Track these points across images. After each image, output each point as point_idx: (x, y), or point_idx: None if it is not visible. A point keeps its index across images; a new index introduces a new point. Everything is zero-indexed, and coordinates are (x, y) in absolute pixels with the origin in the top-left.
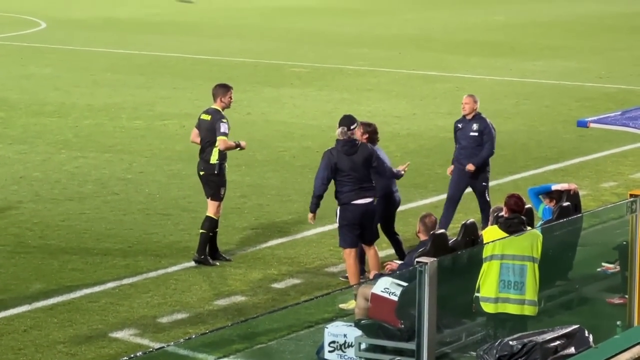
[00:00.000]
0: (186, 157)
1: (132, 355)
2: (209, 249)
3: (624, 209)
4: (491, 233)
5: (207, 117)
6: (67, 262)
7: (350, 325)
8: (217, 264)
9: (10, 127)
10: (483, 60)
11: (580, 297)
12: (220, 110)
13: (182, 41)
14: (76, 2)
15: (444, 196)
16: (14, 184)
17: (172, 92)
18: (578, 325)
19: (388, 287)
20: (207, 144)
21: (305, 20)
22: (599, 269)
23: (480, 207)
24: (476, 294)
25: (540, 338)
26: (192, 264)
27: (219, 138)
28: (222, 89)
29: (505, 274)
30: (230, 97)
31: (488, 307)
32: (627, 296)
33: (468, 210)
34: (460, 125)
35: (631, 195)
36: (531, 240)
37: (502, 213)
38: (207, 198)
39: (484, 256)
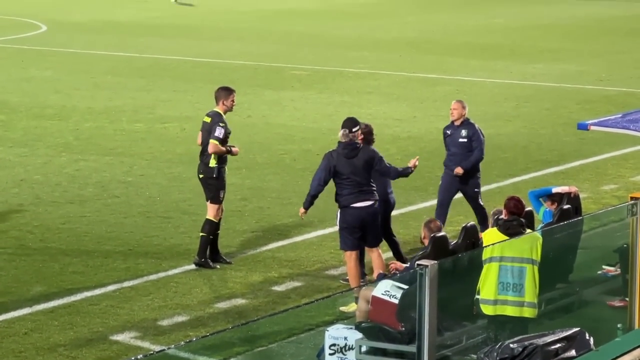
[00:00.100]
0: (187, 160)
1: (132, 358)
2: (210, 252)
3: (624, 211)
4: (490, 235)
5: (208, 120)
6: (67, 264)
7: (351, 328)
8: (218, 266)
9: (11, 130)
10: (483, 63)
11: (580, 300)
12: (222, 113)
13: (182, 44)
14: (77, 5)
15: None
16: (14, 187)
17: (173, 95)
18: (579, 328)
19: (389, 290)
20: (206, 146)
21: (306, 23)
22: (599, 272)
23: (475, 212)
24: (476, 297)
25: (541, 341)
26: (193, 266)
27: (210, 141)
28: (225, 92)
29: (504, 276)
30: (233, 100)
31: (487, 309)
32: (627, 299)
33: (468, 213)
34: (449, 132)
35: (632, 198)
36: (531, 243)
37: (502, 215)
38: (207, 201)
39: (483, 258)
